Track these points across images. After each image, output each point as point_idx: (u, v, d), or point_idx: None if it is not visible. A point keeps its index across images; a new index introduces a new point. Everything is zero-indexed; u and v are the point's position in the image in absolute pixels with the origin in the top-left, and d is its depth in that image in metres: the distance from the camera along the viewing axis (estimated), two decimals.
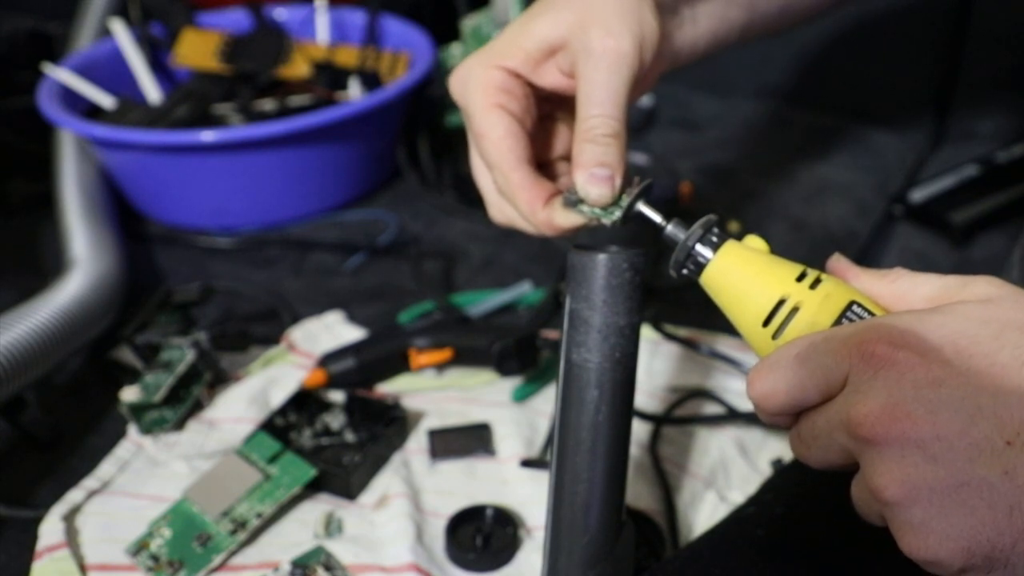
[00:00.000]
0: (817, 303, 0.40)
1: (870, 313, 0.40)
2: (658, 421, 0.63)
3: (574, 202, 0.49)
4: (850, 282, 0.42)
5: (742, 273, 0.42)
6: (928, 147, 0.96)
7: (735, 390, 0.66)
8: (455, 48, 1.02)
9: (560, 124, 0.56)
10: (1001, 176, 0.86)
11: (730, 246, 0.43)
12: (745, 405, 0.64)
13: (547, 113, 0.55)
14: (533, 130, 0.53)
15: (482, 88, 0.51)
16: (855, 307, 0.40)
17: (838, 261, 0.43)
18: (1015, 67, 1.05)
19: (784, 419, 0.39)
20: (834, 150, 1.00)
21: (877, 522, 0.36)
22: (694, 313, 0.75)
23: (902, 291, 0.40)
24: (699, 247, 0.44)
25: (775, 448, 0.62)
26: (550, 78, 0.52)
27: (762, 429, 0.63)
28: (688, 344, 0.68)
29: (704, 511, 0.58)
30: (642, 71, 0.50)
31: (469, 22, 1.01)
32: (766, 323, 0.41)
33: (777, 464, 0.59)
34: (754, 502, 0.53)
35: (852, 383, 0.36)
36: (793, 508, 0.50)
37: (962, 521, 0.33)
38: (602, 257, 0.43)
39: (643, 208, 0.47)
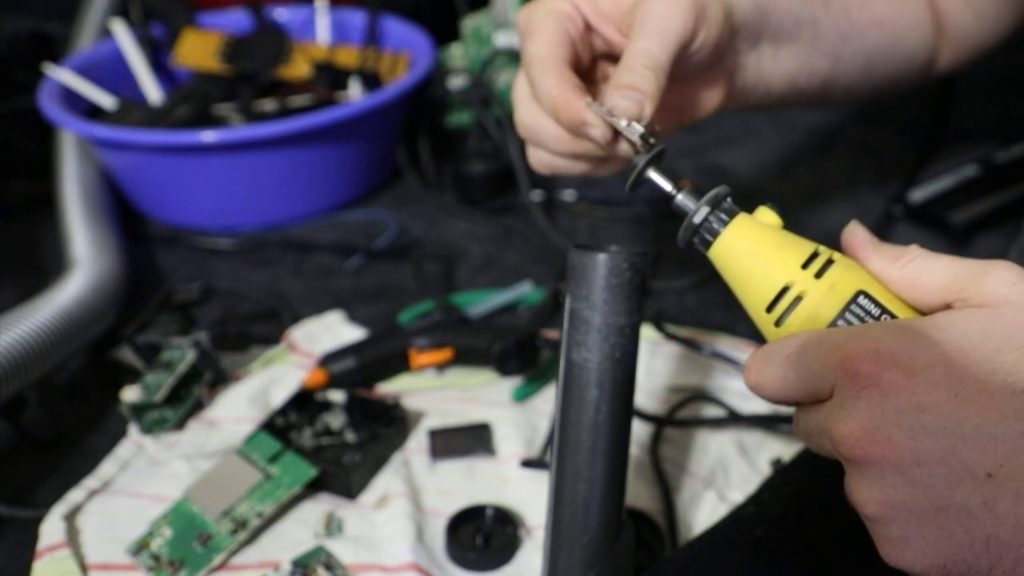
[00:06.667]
0: (821, 293, 0.39)
1: (877, 305, 0.38)
2: (659, 423, 0.63)
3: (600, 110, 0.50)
4: (863, 262, 0.40)
5: (749, 253, 0.41)
6: (928, 147, 0.96)
7: (735, 390, 0.66)
8: (455, 48, 1.02)
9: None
10: (1001, 176, 0.86)
11: (739, 222, 0.42)
12: (746, 406, 0.64)
13: (604, 77, 0.57)
14: (585, 71, 0.55)
15: (548, 8, 0.53)
16: (861, 299, 0.38)
17: (854, 234, 0.41)
18: (1015, 67, 1.05)
19: (784, 404, 0.39)
20: (834, 150, 1.00)
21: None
22: (694, 313, 0.75)
23: (914, 276, 0.39)
24: (707, 222, 0.42)
25: (775, 448, 0.62)
26: (610, 33, 0.54)
27: (762, 429, 0.63)
28: (689, 344, 0.68)
29: (704, 511, 0.58)
30: (693, 33, 0.51)
31: (469, 22, 1.01)
32: (770, 309, 0.40)
33: (777, 464, 0.59)
34: (754, 502, 0.53)
35: (837, 397, 0.35)
36: (793, 508, 0.50)
37: (940, 543, 0.33)
38: (602, 257, 0.43)
39: (653, 175, 0.46)
